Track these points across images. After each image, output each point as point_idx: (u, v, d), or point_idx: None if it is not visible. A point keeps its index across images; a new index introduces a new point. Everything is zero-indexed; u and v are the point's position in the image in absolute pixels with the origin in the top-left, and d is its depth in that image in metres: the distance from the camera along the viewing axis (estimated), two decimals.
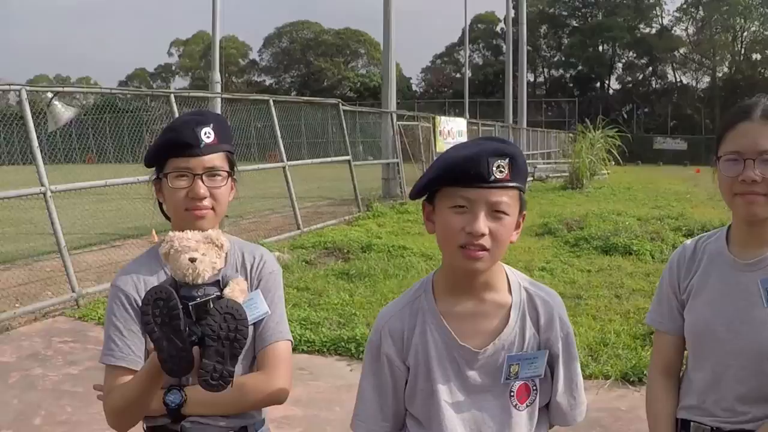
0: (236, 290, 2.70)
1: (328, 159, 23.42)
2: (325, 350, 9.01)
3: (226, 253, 2.87)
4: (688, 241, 3.32)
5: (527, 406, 2.78)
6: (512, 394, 2.74)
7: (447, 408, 2.68)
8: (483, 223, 2.52)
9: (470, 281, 2.70)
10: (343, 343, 8.99)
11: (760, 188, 2.84)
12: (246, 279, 3.12)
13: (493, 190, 2.55)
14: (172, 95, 15.76)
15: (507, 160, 2.57)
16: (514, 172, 2.58)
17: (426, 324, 2.74)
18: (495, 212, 2.56)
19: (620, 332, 9.39)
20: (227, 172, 3.19)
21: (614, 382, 8.01)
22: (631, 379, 7.84)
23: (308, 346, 9.07)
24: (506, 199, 2.57)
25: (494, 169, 2.54)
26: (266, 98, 20.04)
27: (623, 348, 8.83)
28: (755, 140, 2.85)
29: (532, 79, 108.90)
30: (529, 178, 36.85)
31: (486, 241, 2.53)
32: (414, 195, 2.72)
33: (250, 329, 3.04)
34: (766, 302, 2.91)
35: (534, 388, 2.79)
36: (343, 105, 23.52)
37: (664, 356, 3.27)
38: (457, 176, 2.53)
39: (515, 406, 2.75)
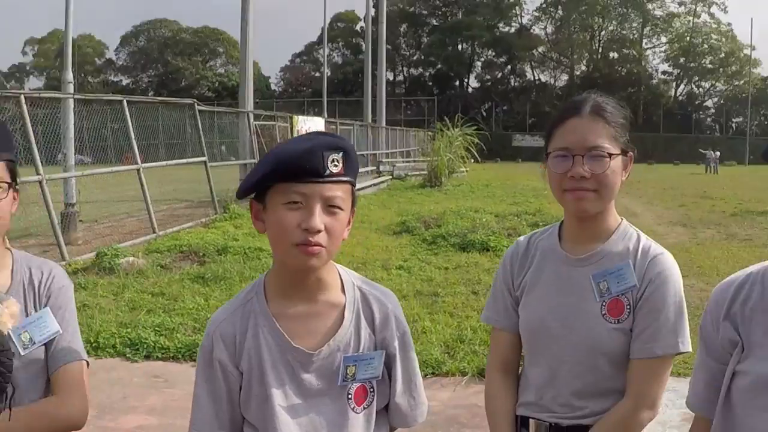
0: (5, 315, 2.53)
1: (183, 160, 23.05)
2: (180, 356, 8.83)
3: (11, 270, 2.73)
4: (521, 238, 3.32)
5: (364, 408, 2.73)
6: (350, 396, 2.69)
7: (282, 413, 2.60)
8: (319, 219, 2.49)
9: (303, 281, 2.64)
10: (198, 349, 8.73)
11: (589, 184, 2.85)
12: (34, 296, 2.97)
13: (327, 184, 2.51)
14: (22, 96, 15.14)
15: (341, 154, 2.54)
16: (347, 166, 2.55)
17: (258, 327, 2.66)
18: (330, 207, 2.52)
19: (477, 328, 9.46)
20: (8, 183, 2.91)
21: (471, 378, 8.06)
22: None
23: (163, 353, 8.90)
24: (340, 193, 2.54)
25: (329, 163, 2.51)
26: (120, 98, 19.61)
27: (480, 344, 8.89)
28: (584, 136, 2.86)
29: (391, 78, 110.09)
30: (388, 177, 37.07)
31: (322, 238, 2.49)
32: (242, 193, 2.65)
33: (41, 349, 2.90)
34: (599, 297, 2.92)
35: (371, 389, 2.74)
36: (198, 105, 23.21)
37: (501, 353, 3.24)
38: (293, 171, 2.47)
39: (353, 409, 2.69)
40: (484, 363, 7.83)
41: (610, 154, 2.85)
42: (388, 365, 2.79)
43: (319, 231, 2.48)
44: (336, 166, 2.52)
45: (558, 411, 3.01)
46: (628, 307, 2.91)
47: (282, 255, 2.57)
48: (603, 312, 2.92)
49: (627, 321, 2.90)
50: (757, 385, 2.37)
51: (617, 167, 2.89)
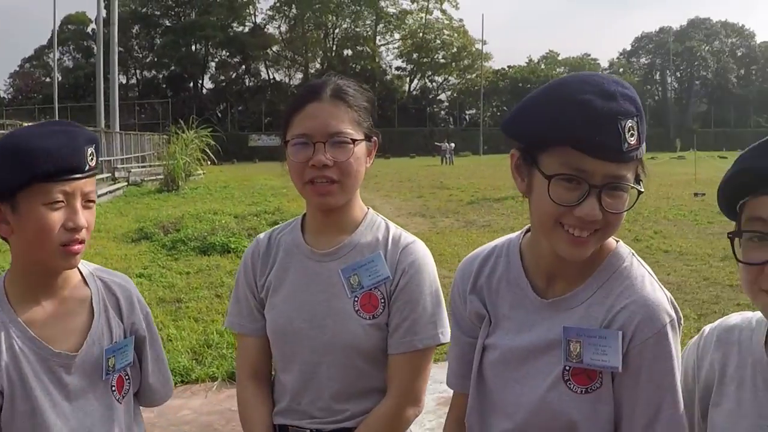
0: None
1: None
2: None
3: None
4: (261, 235, 3.16)
5: (124, 396, 2.73)
6: (113, 388, 2.68)
7: (52, 424, 2.48)
8: (83, 216, 2.46)
9: (53, 281, 2.59)
10: None
11: (331, 173, 2.71)
12: None
13: (86, 179, 2.49)
14: None
15: (94, 146, 2.53)
16: (98, 157, 2.56)
17: (11, 339, 2.50)
18: (87, 202, 2.51)
19: (223, 332, 9.35)
20: None
21: (222, 383, 7.97)
22: None
23: None
24: (93, 186, 2.55)
25: (88, 157, 2.48)
26: None
27: (227, 347, 8.81)
28: (325, 122, 2.71)
29: (124, 81, 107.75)
30: (124, 183, 36.39)
31: (84, 234, 2.47)
32: None
33: None
34: (350, 292, 2.80)
35: (127, 377, 2.75)
36: None
37: (250, 360, 3.04)
38: (57, 170, 2.37)
39: (117, 400, 2.69)
40: (234, 366, 7.72)
41: (354, 140, 2.73)
42: (138, 348, 2.81)
43: (83, 228, 2.46)
44: (93, 159, 2.50)
45: (318, 416, 2.86)
46: (383, 300, 2.80)
47: (45, 257, 2.47)
48: (356, 308, 2.80)
49: (383, 315, 2.80)
50: (506, 358, 2.40)
51: (361, 154, 2.78)
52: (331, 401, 2.83)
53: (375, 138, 2.87)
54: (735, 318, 2.31)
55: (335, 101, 2.75)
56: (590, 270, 2.33)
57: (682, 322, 2.30)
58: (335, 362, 2.81)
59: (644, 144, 2.15)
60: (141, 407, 2.93)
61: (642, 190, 2.19)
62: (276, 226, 3.18)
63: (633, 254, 2.37)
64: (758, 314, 2.19)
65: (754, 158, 2.01)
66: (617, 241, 2.38)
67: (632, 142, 2.07)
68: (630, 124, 2.07)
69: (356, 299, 2.80)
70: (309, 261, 2.90)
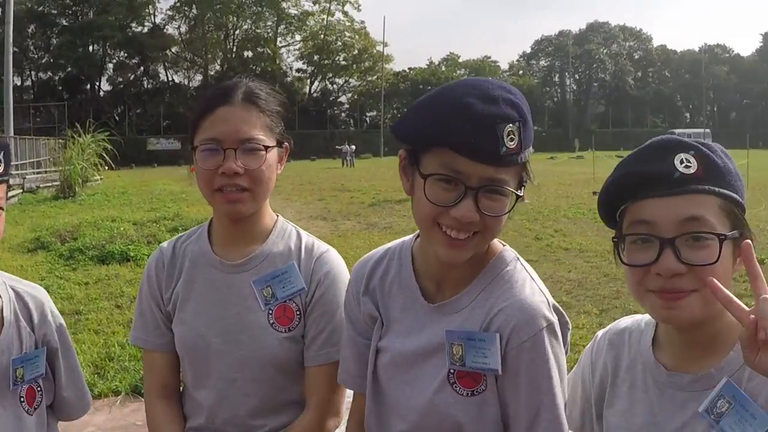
0: None
1: None
2: None
3: None
4: (165, 244, 3.03)
5: (35, 408, 2.67)
6: (22, 399, 2.62)
7: None
8: None
9: None
10: None
11: (242, 180, 2.64)
12: None
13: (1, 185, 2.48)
14: None
15: (2, 154, 2.50)
16: (7, 165, 2.53)
17: None
18: None
19: (125, 344, 9.18)
20: None
21: (126, 396, 7.84)
22: (143, 391, 7.64)
23: None
24: (2, 193, 2.50)
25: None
26: None
27: (130, 359, 8.67)
28: (236, 127, 2.63)
29: (19, 83, 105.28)
30: (19, 191, 35.71)
31: None
32: None
33: None
34: (263, 305, 2.74)
35: (39, 388, 2.69)
36: None
37: (158, 377, 2.94)
38: None
39: (27, 411, 2.64)
40: (137, 379, 7.66)
41: (266, 147, 2.66)
42: (51, 360, 2.76)
43: None
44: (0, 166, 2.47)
45: None
46: (298, 312, 2.76)
47: None
48: (271, 321, 2.74)
49: (299, 328, 2.75)
50: (396, 361, 2.41)
51: (273, 161, 2.72)
52: (248, 417, 2.78)
53: (287, 143, 2.80)
54: (625, 321, 2.40)
55: (247, 105, 2.68)
56: (475, 274, 2.36)
57: (569, 326, 2.37)
58: (251, 377, 2.75)
59: (528, 149, 2.17)
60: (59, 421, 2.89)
61: (521, 195, 2.21)
62: (180, 235, 3.07)
63: (518, 258, 2.41)
64: (647, 316, 2.28)
65: (635, 163, 2.10)
66: (503, 245, 2.42)
67: (511, 147, 2.10)
68: (510, 129, 2.09)
69: (270, 312, 2.75)
70: (218, 272, 2.83)
